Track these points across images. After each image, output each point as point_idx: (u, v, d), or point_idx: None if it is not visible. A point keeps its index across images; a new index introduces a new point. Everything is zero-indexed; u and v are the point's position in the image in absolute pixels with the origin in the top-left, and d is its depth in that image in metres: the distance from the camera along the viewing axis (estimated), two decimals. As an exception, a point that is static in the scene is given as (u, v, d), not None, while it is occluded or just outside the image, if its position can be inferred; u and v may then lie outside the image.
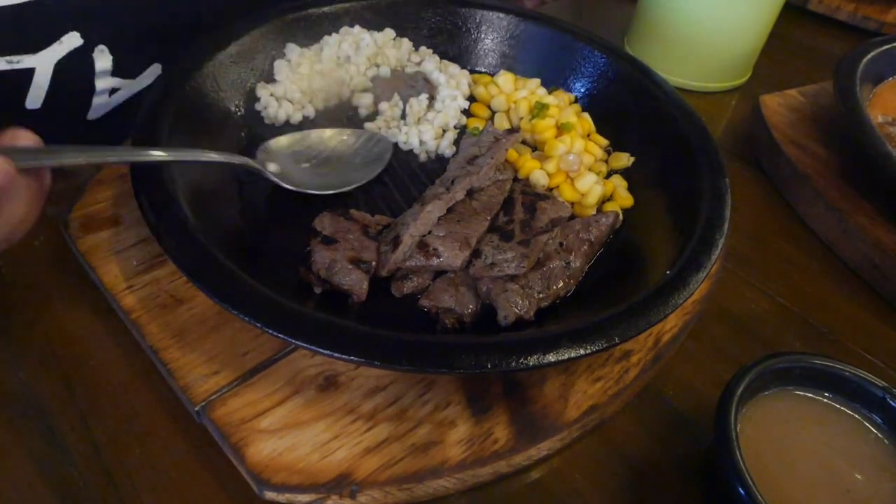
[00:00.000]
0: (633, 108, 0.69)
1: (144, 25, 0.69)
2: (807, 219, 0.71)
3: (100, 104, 0.70)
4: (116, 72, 0.69)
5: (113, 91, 0.70)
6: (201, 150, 0.54)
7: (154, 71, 0.72)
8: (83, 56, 0.66)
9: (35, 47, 0.62)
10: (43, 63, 0.64)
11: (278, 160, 0.61)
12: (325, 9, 0.73)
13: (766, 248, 0.68)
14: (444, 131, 0.69)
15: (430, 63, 0.74)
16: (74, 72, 0.66)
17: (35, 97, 0.65)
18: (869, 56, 0.77)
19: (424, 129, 0.67)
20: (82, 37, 0.64)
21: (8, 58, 0.61)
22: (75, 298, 0.54)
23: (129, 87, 0.71)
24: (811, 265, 0.67)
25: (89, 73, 0.67)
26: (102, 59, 0.67)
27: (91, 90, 0.69)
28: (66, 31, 0.63)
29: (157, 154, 0.51)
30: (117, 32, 0.67)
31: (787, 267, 0.66)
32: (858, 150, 0.68)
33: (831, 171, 0.71)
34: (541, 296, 0.51)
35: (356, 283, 0.51)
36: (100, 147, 0.47)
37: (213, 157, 0.54)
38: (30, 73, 0.63)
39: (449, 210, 0.57)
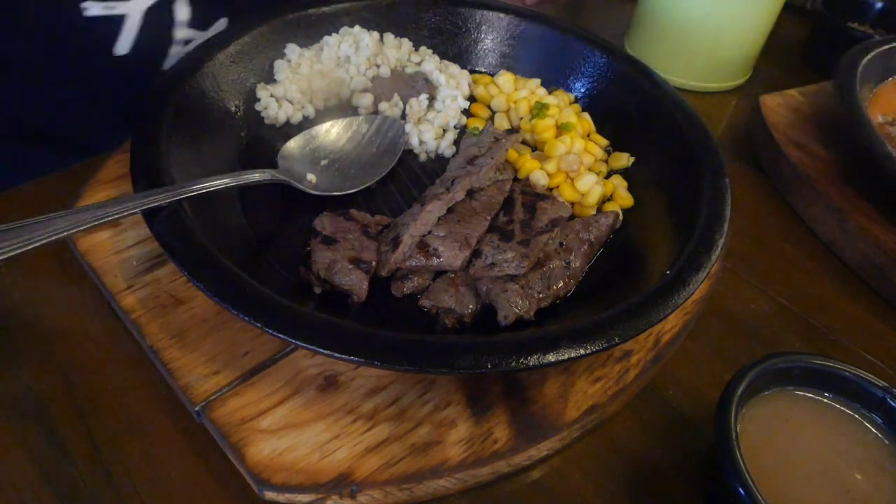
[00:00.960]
0: (633, 108, 0.69)
1: None
2: (807, 219, 0.71)
3: (175, 54, 0.75)
4: (192, 23, 0.74)
5: (187, 42, 0.75)
6: (236, 173, 0.54)
7: (221, 24, 0.76)
8: (167, 6, 0.71)
9: None
10: (135, 10, 0.69)
11: (296, 164, 0.61)
12: (325, 9, 0.73)
13: (766, 248, 0.68)
14: (444, 131, 0.69)
15: (430, 63, 0.74)
16: (158, 21, 0.71)
17: (125, 42, 0.70)
18: (869, 56, 0.77)
19: (424, 129, 0.67)
20: None
21: (105, 3, 0.66)
22: (75, 298, 0.54)
23: (200, 39, 0.75)
24: (811, 265, 0.67)
25: (170, 23, 0.72)
26: (182, 11, 0.72)
27: (170, 40, 0.73)
28: None
29: (198, 186, 0.50)
30: None
31: (787, 267, 0.66)
32: (858, 150, 0.68)
33: (831, 171, 0.72)
34: (541, 296, 0.51)
35: (356, 283, 0.51)
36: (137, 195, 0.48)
37: (249, 178, 0.55)
38: (122, 19, 0.69)
39: (449, 210, 0.57)
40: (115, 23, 0.69)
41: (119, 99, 0.73)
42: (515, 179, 0.63)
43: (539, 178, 0.63)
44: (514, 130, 0.66)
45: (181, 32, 0.74)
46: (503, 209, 0.59)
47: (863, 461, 0.42)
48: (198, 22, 0.74)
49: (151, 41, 0.72)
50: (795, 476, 0.42)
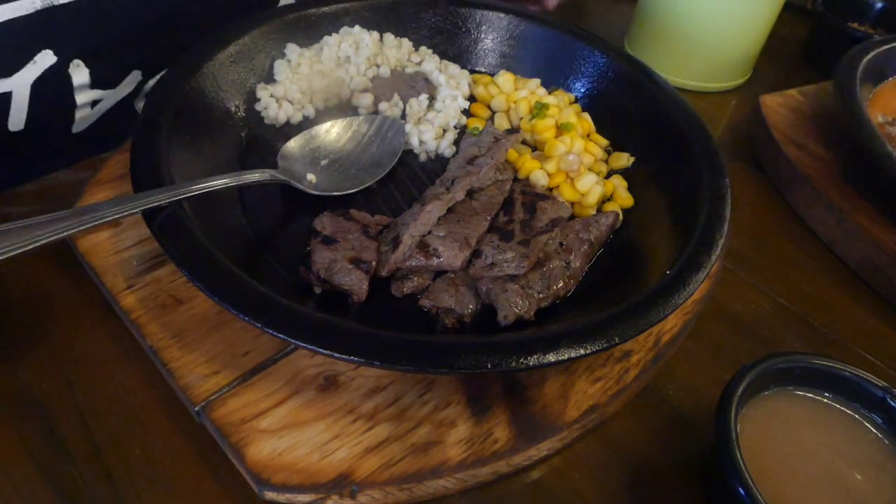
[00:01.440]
0: (633, 108, 0.69)
1: (117, 36, 0.68)
2: (807, 219, 0.71)
3: (83, 117, 0.70)
4: (96, 84, 0.68)
5: (95, 103, 0.70)
6: (236, 173, 0.54)
7: (134, 78, 0.71)
8: (60, 73, 0.65)
9: (8, 71, 0.62)
10: (19, 86, 0.63)
11: (297, 164, 0.61)
12: (325, 9, 0.73)
13: (766, 248, 0.68)
14: (444, 131, 0.69)
15: (430, 63, 0.74)
16: (53, 89, 0.65)
17: (16, 119, 0.65)
18: (869, 56, 0.77)
19: (424, 129, 0.67)
20: (55, 54, 0.63)
21: None
22: (75, 299, 0.54)
23: (111, 97, 0.71)
24: (811, 265, 0.67)
25: (68, 88, 0.66)
26: (79, 74, 0.66)
27: (73, 105, 0.68)
28: (38, 51, 0.62)
29: (198, 187, 0.50)
30: (91, 46, 0.66)
31: (787, 267, 0.66)
32: (858, 150, 0.68)
33: (831, 171, 0.72)
34: (541, 296, 0.51)
35: (356, 283, 0.51)
36: (138, 195, 0.47)
37: (249, 178, 0.54)
38: (7, 97, 0.63)
39: (449, 210, 0.57)
40: (1, 100, 0.63)
41: (32, 167, 0.69)
42: (515, 179, 0.63)
43: (539, 178, 0.63)
44: (514, 130, 0.66)
45: (85, 95, 0.68)
46: (503, 209, 0.59)
47: (863, 461, 0.42)
48: (102, 82, 0.69)
49: (50, 111, 0.67)
50: (795, 476, 0.42)
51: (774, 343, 0.58)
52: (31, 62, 0.62)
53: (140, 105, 0.73)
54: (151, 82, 0.72)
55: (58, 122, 0.69)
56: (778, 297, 0.62)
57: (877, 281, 0.64)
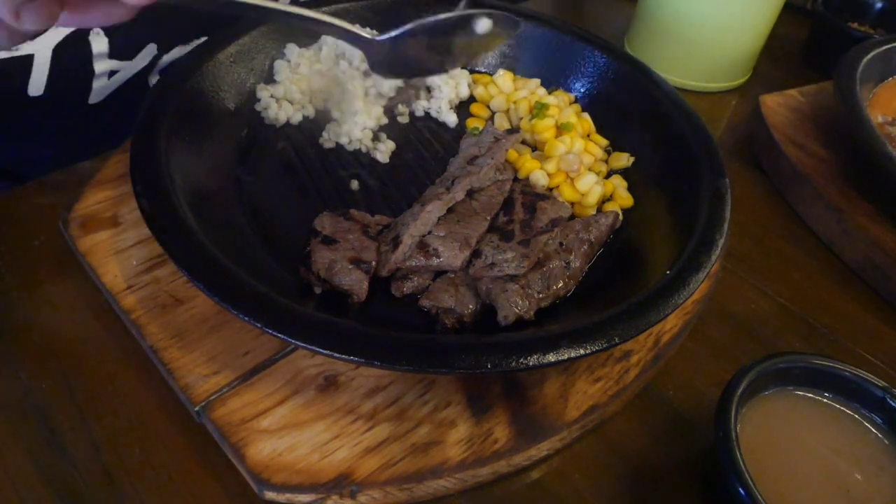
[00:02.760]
0: (633, 108, 0.69)
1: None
2: (807, 219, 0.71)
3: (100, 87, 0.71)
4: (114, 54, 0.69)
5: (112, 73, 0.71)
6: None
7: (150, 51, 0.72)
8: (80, 40, 0.66)
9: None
10: (41, 49, 0.64)
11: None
12: (325, 9, 0.73)
13: (766, 248, 0.68)
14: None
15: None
16: (73, 56, 0.67)
17: (37, 83, 0.66)
18: (869, 56, 0.77)
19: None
20: None
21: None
22: (75, 298, 0.54)
23: (128, 69, 0.71)
24: (811, 265, 0.67)
25: (88, 55, 0.68)
26: (98, 42, 0.67)
27: (91, 73, 0.69)
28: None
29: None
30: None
31: (787, 267, 0.66)
32: (858, 150, 0.68)
33: (831, 171, 0.72)
34: (541, 296, 0.51)
35: (356, 283, 0.51)
36: None
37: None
38: (29, 59, 0.64)
39: (449, 210, 0.57)
40: (24, 63, 0.64)
41: (47, 137, 0.71)
42: (515, 179, 0.63)
43: (539, 178, 0.63)
44: (514, 130, 0.66)
45: (102, 65, 0.69)
46: (503, 209, 0.59)
47: (863, 461, 0.42)
48: (120, 52, 0.69)
49: (69, 78, 0.68)
50: (795, 476, 0.42)
51: (774, 343, 0.58)
52: (53, 27, 0.64)
53: (153, 81, 0.74)
54: (167, 57, 0.73)
55: (76, 90, 0.70)
56: (778, 297, 0.62)
57: (877, 281, 0.64)
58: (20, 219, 0.60)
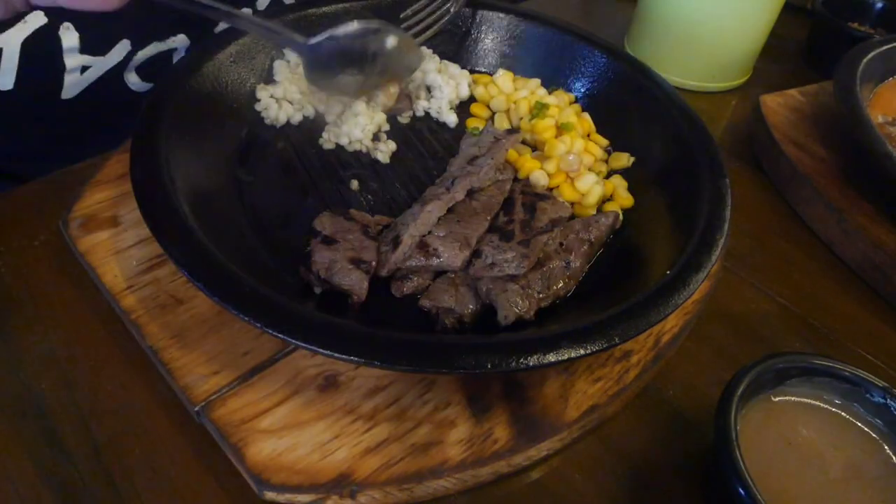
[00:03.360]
0: (633, 108, 0.69)
1: None
2: (807, 219, 0.71)
3: (72, 82, 0.70)
4: (85, 49, 0.68)
5: (84, 69, 0.70)
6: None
7: (123, 47, 0.71)
8: (50, 34, 0.66)
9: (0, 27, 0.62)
10: (9, 43, 0.64)
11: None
12: (325, 9, 0.73)
13: (766, 248, 0.68)
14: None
15: (430, 63, 0.74)
16: (43, 50, 0.66)
17: (6, 77, 0.66)
18: (869, 56, 0.77)
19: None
20: (46, 15, 0.64)
21: None
22: (75, 298, 0.54)
23: (100, 65, 0.71)
24: (811, 265, 0.67)
25: (58, 51, 0.67)
26: (69, 37, 0.67)
27: (62, 68, 0.69)
28: (29, 11, 0.61)
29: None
30: (81, 10, 0.67)
31: (788, 267, 0.66)
32: (858, 150, 0.68)
33: (831, 171, 0.72)
34: (541, 296, 0.51)
35: (356, 283, 0.51)
36: None
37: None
38: None
39: (449, 210, 0.57)
40: None
41: (22, 131, 0.70)
42: (515, 179, 0.63)
43: (539, 178, 0.63)
44: (514, 130, 0.66)
45: (74, 60, 0.68)
46: (503, 209, 0.59)
47: (862, 461, 0.42)
48: (91, 47, 0.69)
49: (38, 73, 0.67)
50: (795, 476, 0.42)
51: (774, 343, 0.58)
52: (23, 21, 0.63)
53: (130, 78, 0.74)
54: (140, 54, 0.72)
55: (47, 85, 0.69)
56: (778, 297, 0.62)
57: (877, 281, 0.64)
58: (20, 219, 0.60)
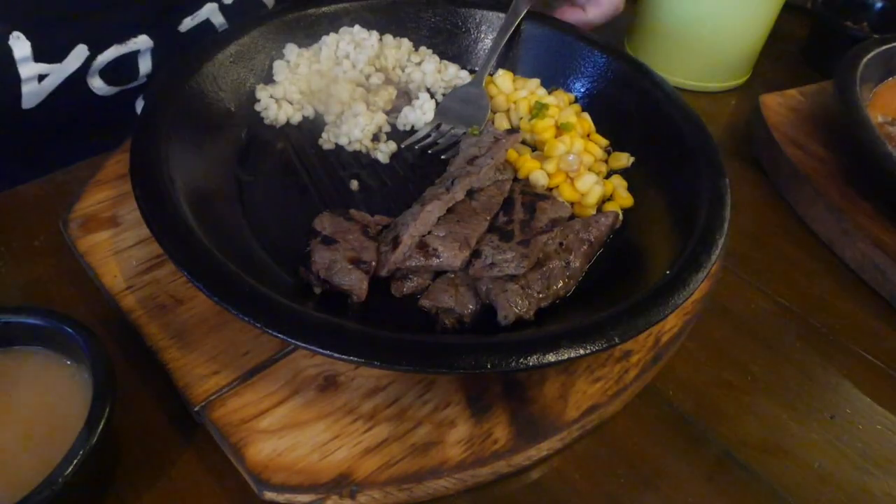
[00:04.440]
0: (633, 108, 0.69)
1: (58, 7, 0.66)
2: (807, 219, 0.71)
3: (31, 92, 0.68)
4: (39, 57, 0.66)
5: (42, 77, 0.68)
6: None
7: (81, 52, 0.69)
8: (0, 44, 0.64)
9: None
10: None
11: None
12: (325, 9, 0.73)
13: (766, 248, 0.68)
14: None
15: (430, 63, 0.74)
16: None
17: None
18: (869, 56, 0.77)
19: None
20: None
21: None
22: (74, 299, 0.54)
23: (59, 72, 0.68)
24: (811, 265, 0.67)
25: (9, 60, 0.65)
26: (20, 46, 0.65)
27: (17, 78, 0.66)
28: None
29: None
30: (30, 17, 0.64)
31: (787, 267, 0.66)
32: (858, 150, 0.68)
33: (831, 171, 0.71)
34: (541, 296, 0.51)
35: (356, 283, 0.51)
36: None
37: None
38: None
39: (449, 210, 0.57)
40: None
41: None
42: (515, 179, 0.63)
43: (539, 178, 0.63)
44: (514, 130, 0.66)
45: (29, 69, 0.66)
46: (503, 209, 0.59)
47: None
48: (46, 55, 0.66)
49: None
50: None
51: (774, 343, 0.58)
52: None
53: (94, 83, 0.72)
54: (101, 58, 0.70)
55: (4, 96, 0.67)
56: (778, 297, 0.62)
57: (877, 281, 0.64)
58: (20, 219, 0.60)
